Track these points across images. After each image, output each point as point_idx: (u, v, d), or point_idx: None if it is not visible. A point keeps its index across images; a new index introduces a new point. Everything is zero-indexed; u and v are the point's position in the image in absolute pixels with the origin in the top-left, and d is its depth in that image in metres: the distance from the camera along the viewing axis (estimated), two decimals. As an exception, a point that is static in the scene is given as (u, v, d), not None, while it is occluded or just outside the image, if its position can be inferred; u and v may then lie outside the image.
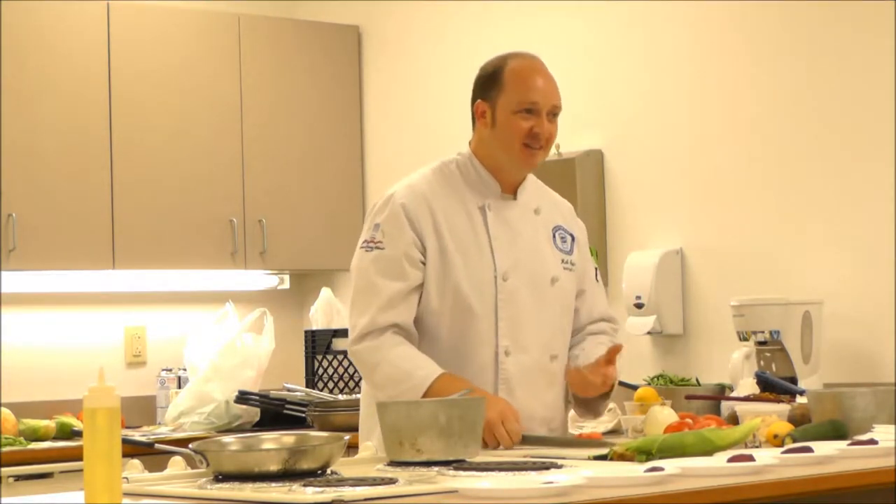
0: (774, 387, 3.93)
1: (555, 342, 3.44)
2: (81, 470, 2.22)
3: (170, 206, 5.70)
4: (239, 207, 5.88)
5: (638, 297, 4.96)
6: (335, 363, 5.81)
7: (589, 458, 2.95)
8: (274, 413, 5.36)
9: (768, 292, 4.59)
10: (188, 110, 5.78)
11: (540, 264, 3.43)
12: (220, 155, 5.85)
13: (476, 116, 3.41)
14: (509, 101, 3.34)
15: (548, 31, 5.44)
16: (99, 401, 2.20)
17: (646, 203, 5.12)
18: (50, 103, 5.47)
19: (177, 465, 2.77)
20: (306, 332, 5.96)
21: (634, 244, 5.11)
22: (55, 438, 5.15)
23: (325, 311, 5.86)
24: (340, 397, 5.27)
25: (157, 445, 2.84)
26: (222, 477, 2.60)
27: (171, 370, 5.83)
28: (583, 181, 5.17)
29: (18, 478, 4.82)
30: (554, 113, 3.37)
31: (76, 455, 4.53)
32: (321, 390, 5.72)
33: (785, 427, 3.26)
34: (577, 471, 2.58)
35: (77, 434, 5.09)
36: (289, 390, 5.46)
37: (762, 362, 4.43)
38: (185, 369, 5.66)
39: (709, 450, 2.93)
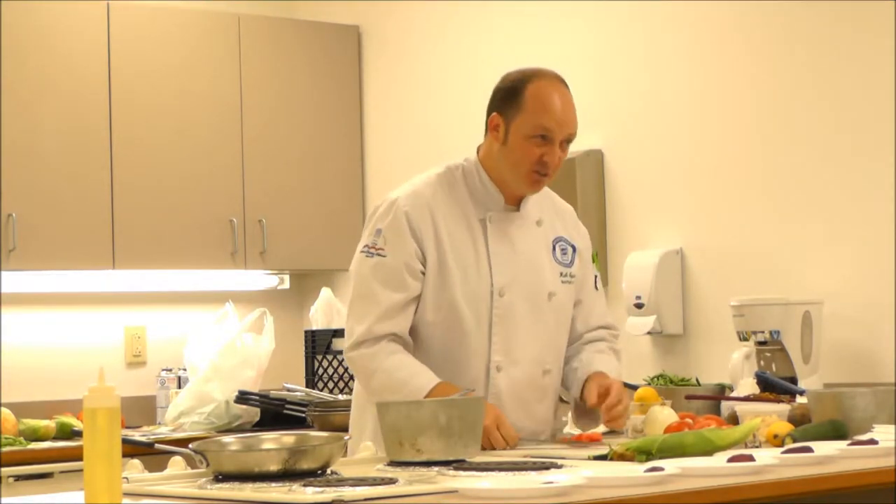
0: (774, 387, 3.92)
1: (548, 357, 3.43)
2: (81, 470, 2.22)
3: (170, 206, 5.70)
4: (239, 207, 5.88)
5: (638, 297, 4.96)
6: (335, 363, 5.81)
7: (589, 458, 2.95)
8: (274, 413, 5.37)
9: (768, 292, 4.59)
10: (188, 110, 5.78)
11: (538, 279, 3.41)
12: (220, 155, 5.85)
13: (489, 128, 3.37)
14: (524, 124, 3.31)
15: (548, 30, 5.44)
16: (99, 401, 2.20)
17: (646, 203, 5.12)
18: (50, 103, 5.47)
19: (177, 465, 2.77)
20: (306, 332, 5.97)
21: (634, 244, 5.11)
22: (55, 438, 5.15)
23: (325, 311, 5.86)
24: (340, 397, 5.27)
25: (157, 445, 2.83)
26: (222, 477, 2.60)
27: (171, 370, 5.84)
28: (583, 181, 5.17)
29: (18, 478, 4.82)
30: (568, 140, 3.35)
31: (76, 455, 4.54)
32: (321, 390, 5.72)
33: (785, 427, 3.26)
34: (577, 471, 2.58)
35: (77, 434, 5.09)
36: (289, 390, 5.46)
37: (762, 362, 4.43)
38: (185, 369, 5.67)
39: (709, 450, 2.93)
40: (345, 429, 3.47)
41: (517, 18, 5.56)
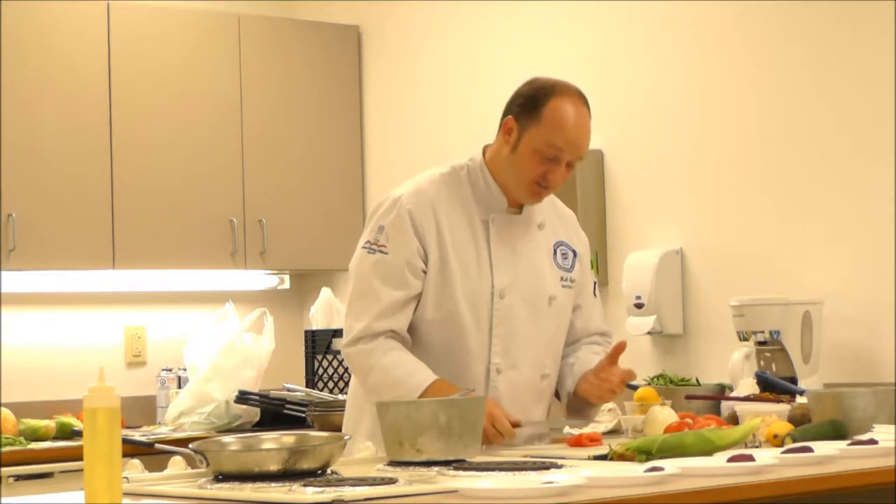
0: (774, 387, 3.92)
1: (547, 361, 3.43)
2: (81, 470, 2.22)
3: (170, 206, 5.70)
4: (239, 207, 5.88)
5: (638, 297, 4.96)
6: (335, 363, 5.81)
7: (589, 458, 2.95)
8: (274, 413, 5.37)
9: (768, 292, 4.59)
10: (188, 110, 5.78)
11: (538, 283, 3.41)
12: (220, 155, 5.85)
13: (502, 130, 3.35)
14: (537, 138, 3.28)
15: (548, 31, 5.44)
16: (99, 401, 2.20)
17: (646, 203, 5.12)
18: (50, 103, 5.47)
19: (177, 465, 2.77)
20: (306, 332, 5.97)
21: (634, 244, 5.11)
22: (55, 438, 5.15)
23: (325, 311, 5.86)
24: (340, 397, 5.27)
25: (157, 445, 2.83)
26: (222, 477, 2.60)
27: (171, 370, 5.84)
28: (583, 181, 5.17)
29: (18, 478, 4.82)
30: (575, 162, 3.32)
31: (76, 455, 4.53)
32: (321, 390, 5.72)
33: (785, 427, 3.26)
34: (577, 471, 2.58)
35: (77, 434, 5.08)
36: (289, 390, 5.46)
37: (762, 362, 4.43)
38: (185, 369, 5.67)
39: (709, 450, 2.93)
40: (345, 429, 3.47)
41: (517, 18, 5.56)
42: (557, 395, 3.54)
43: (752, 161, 4.81)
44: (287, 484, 2.50)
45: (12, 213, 5.34)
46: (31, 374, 5.69)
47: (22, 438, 5.04)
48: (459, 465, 2.75)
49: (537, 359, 3.40)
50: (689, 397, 4.19)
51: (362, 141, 6.24)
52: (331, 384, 5.80)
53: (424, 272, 3.31)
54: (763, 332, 4.42)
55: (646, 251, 5.02)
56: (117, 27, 5.63)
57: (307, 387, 5.74)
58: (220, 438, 2.80)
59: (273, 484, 2.51)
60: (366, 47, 6.24)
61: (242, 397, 5.36)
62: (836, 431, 3.26)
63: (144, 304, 6.00)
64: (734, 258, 4.85)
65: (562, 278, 3.46)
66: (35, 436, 5.11)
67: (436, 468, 2.75)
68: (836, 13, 4.57)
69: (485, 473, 2.60)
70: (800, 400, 3.74)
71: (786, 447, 2.96)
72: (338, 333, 5.76)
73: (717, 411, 4.10)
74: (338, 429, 3.59)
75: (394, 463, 2.87)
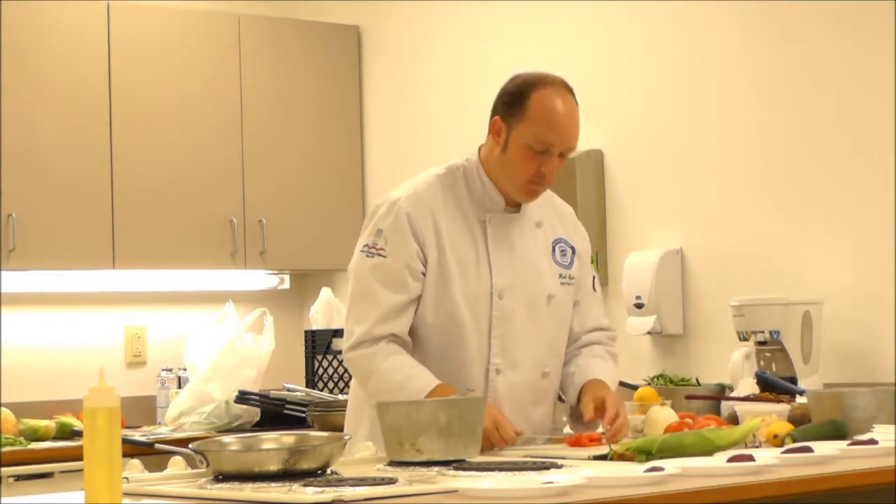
0: (774, 387, 3.93)
1: (547, 359, 3.42)
2: (81, 470, 2.22)
3: (170, 206, 5.70)
4: (239, 207, 5.88)
5: (638, 297, 4.96)
6: (335, 363, 5.81)
7: (589, 458, 2.95)
8: (274, 413, 5.37)
9: (768, 292, 4.59)
10: (188, 110, 5.78)
11: (537, 282, 3.40)
12: (220, 155, 5.85)
13: (491, 131, 3.34)
14: (526, 133, 3.26)
15: (548, 30, 5.44)
16: (99, 401, 2.20)
17: (646, 203, 5.12)
18: (50, 103, 5.47)
19: (177, 465, 2.77)
20: (306, 332, 5.97)
21: (634, 244, 5.11)
22: (55, 438, 5.15)
23: (325, 311, 5.86)
24: (340, 397, 5.27)
25: (157, 445, 2.83)
26: (222, 477, 2.60)
27: (171, 370, 5.84)
28: (583, 181, 5.17)
29: (18, 478, 4.82)
30: (566, 153, 3.30)
31: (76, 455, 4.53)
32: (321, 390, 5.72)
33: (785, 427, 3.26)
34: (577, 471, 2.58)
35: (77, 434, 5.07)
36: (289, 390, 5.46)
37: (762, 362, 4.43)
38: (185, 369, 5.67)
39: (709, 450, 2.93)
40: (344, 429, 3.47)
41: (517, 18, 5.56)
42: (561, 398, 3.54)
43: (752, 161, 4.81)
44: (287, 484, 2.50)
45: (12, 213, 5.34)
46: (31, 374, 5.69)
47: (22, 438, 5.04)
48: (459, 465, 2.75)
49: (537, 358, 3.40)
50: (689, 397, 4.19)
51: (362, 141, 6.24)
52: (331, 384, 5.80)
53: (423, 275, 3.31)
54: (763, 332, 4.42)
55: (646, 251, 5.02)
56: (117, 27, 5.63)
57: (307, 387, 5.74)
58: (220, 438, 2.80)
59: (273, 484, 2.51)
60: (366, 47, 6.24)
61: (242, 397, 5.36)
62: (836, 431, 3.26)
63: (144, 304, 6.00)
64: (734, 258, 4.85)
65: (560, 276, 3.45)
66: (35, 436, 5.11)
67: (436, 468, 2.75)
68: (837, 12, 4.58)
69: (485, 473, 2.60)
70: (800, 400, 3.74)
71: (786, 447, 2.96)
72: (338, 333, 5.76)
73: (717, 411, 4.10)
74: (338, 429, 3.59)
75: (394, 463, 2.87)
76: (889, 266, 4.42)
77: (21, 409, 5.33)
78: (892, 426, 3.23)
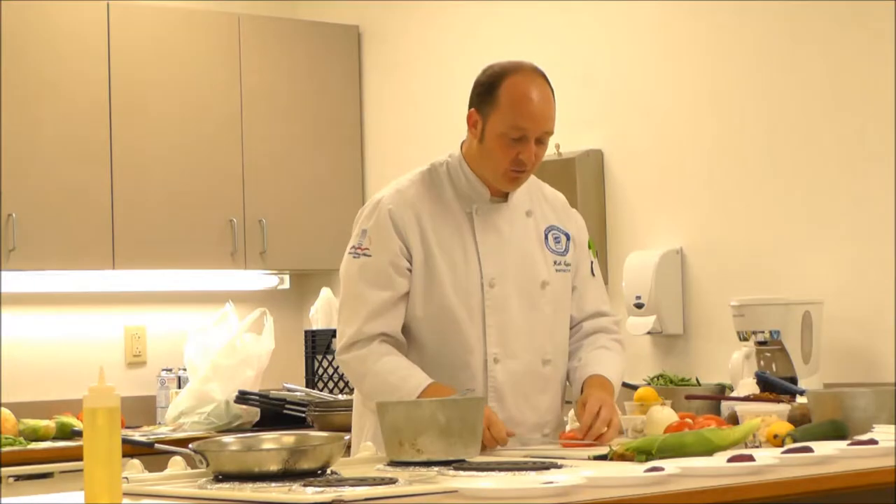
0: (774, 387, 3.93)
1: (547, 346, 3.41)
2: (81, 470, 2.22)
3: (170, 206, 5.70)
4: (239, 207, 5.88)
5: (638, 297, 4.96)
6: (335, 363, 5.81)
7: (589, 458, 2.95)
8: (274, 413, 5.36)
9: (768, 292, 4.59)
10: (188, 110, 5.78)
11: (529, 269, 3.40)
12: (220, 155, 5.85)
13: (468, 124, 3.35)
14: (499, 123, 3.26)
15: (548, 30, 5.45)
16: (99, 401, 2.20)
17: (646, 203, 5.12)
18: (50, 103, 5.47)
19: (177, 465, 2.77)
20: (306, 332, 5.96)
21: (634, 244, 5.11)
22: (55, 438, 5.15)
23: (325, 311, 5.86)
24: (340, 397, 5.27)
25: (157, 445, 2.84)
26: (222, 477, 2.60)
27: (171, 370, 5.84)
28: (583, 181, 5.17)
29: (18, 478, 4.82)
30: (544, 138, 3.29)
31: (76, 455, 4.54)
32: (321, 390, 5.72)
33: (785, 427, 3.26)
34: (577, 471, 2.58)
35: (77, 434, 5.09)
36: (289, 390, 5.46)
37: (762, 362, 4.43)
38: (185, 369, 5.66)
39: (709, 450, 2.93)
40: (345, 429, 3.47)
41: (518, 18, 5.56)
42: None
43: (752, 161, 4.81)
44: (287, 484, 2.50)
45: (12, 213, 5.34)
46: (31, 374, 5.69)
47: (22, 438, 5.04)
48: (459, 465, 2.75)
49: (536, 345, 3.39)
50: (689, 397, 4.19)
51: (362, 141, 6.24)
52: (331, 384, 5.80)
53: (409, 271, 3.32)
54: (763, 332, 4.42)
55: (646, 251, 5.02)
56: (117, 27, 5.63)
57: (307, 387, 5.73)
58: (220, 438, 2.80)
59: (273, 484, 2.52)
60: (366, 47, 6.24)
61: (242, 397, 5.36)
62: (836, 431, 3.26)
63: (144, 304, 6.00)
64: (734, 258, 4.85)
65: (556, 262, 3.44)
66: (35, 436, 5.11)
67: (436, 468, 2.75)
68: (838, 12, 4.58)
69: (485, 473, 2.60)
70: (800, 400, 3.74)
71: (786, 447, 2.96)
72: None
73: (717, 411, 4.10)
74: (338, 429, 3.58)
75: (394, 463, 2.87)
76: (889, 266, 4.42)
77: (21, 409, 5.33)
78: (892, 426, 3.23)
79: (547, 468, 2.65)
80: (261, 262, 5.93)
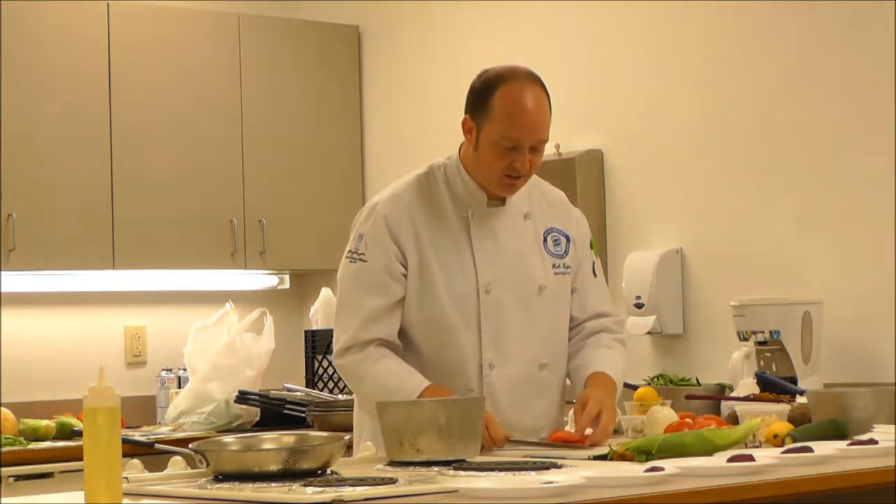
0: (774, 387, 3.92)
1: (544, 351, 3.40)
2: (81, 470, 2.22)
3: (170, 206, 5.70)
4: (239, 207, 5.88)
5: (638, 297, 4.96)
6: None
7: (589, 458, 2.95)
8: (274, 413, 5.36)
9: (768, 292, 4.59)
10: (188, 110, 5.78)
11: (526, 274, 3.39)
12: (220, 155, 5.85)
13: (463, 130, 3.34)
14: (493, 131, 3.25)
15: (548, 30, 5.44)
16: (99, 401, 2.21)
17: (646, 203, 5.12)
18: (50, 103, 5.47)
19: (177, 465, 2.77)
20: (306, 332, 5.96)
21: (634, 244, 5.11)
22: (55, 438, 5.15)
23: (325, 311, 5.85)
24: (340, 397, 5.27)
25: (157, 445, 2.84)
26: (222, 477, 2.60)
27: (171, 370, 5.84)
28: (583, 181, 5.17)
29: (18, 478, 4.82)
30: (538, 146, 3.28)
31: (76, 455, 4.53)
32: (321, 390, 5.72)
33: (785, 427, 3.26)
34: (577, 471, 2.58)
35: (77, 434, 5.08)
36: (289, 390, 5.46)
37: (762, 362, 4.43)
38: (185, 369, 5.66)
39: (709, 450, 2.93)
40: (345, 429, 3.46)
41: (517, 18, 5.56)
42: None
43: (752, 161, 4.81)
44: (287, 484, 2.50)
45: (12, 213, 5.34)
46: (31, 374, 5.69)
47: (22, 438, 5.04)
48: (459, 465, 2.75)
49: (532, 351, 3.38)
50: (689, 397, 4.19)
51: (362, 141, 6.24)
52: (331, 384, 5.80)
53: (405, 276, 3.31)
54: (763, 332, 4.42)
55: (646, 251, 5.02)
56: (117, 27, 5.63)
57: (307, 387, 5.73)
58: (220, 438, 2.80)
59: (273, 484, 2.52)
60: (366, 47, 6.24)
61: (242, 397, 5.36)
62: (836, 431, 3.26)
63: (144, 304, 6.00)
64: (734, 258, 4.85)
65: (554, 266, 3.43)
66: (35, 436, 5.11)
67: (436, 468, 2.75)
68: (837, 13, 4.58)
69: (485, 473, 2.60)
70: (800, 400, 3.74)
71: (786, 447, 2.96)
72: (338, 333, 5.75)
73: (717, 411, 4.10)
74: (338, 429, 3.58)
75: (394, 463, 2.87)
76: (889, 266, 4.42)
77: (21, 409, 5.33)
78: (892, 426, 3.23)
79: (547, 468, 2.65)
80: (261, 262, 5.93)
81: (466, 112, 3.33)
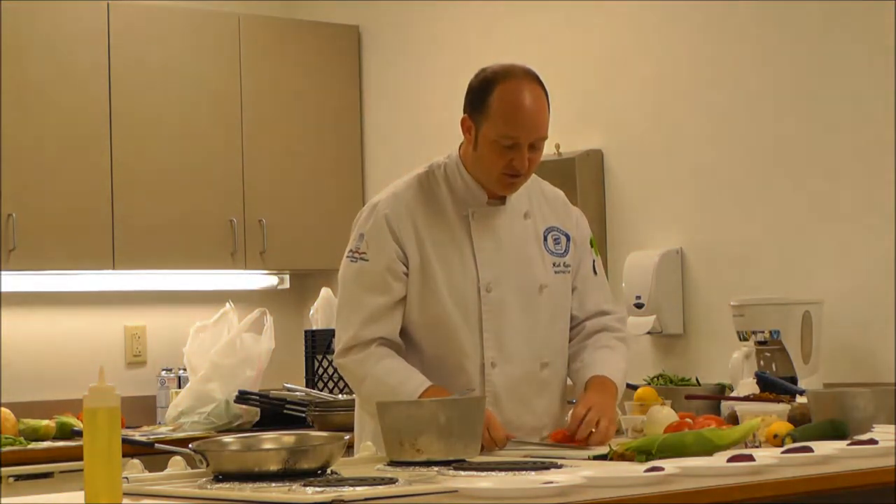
0: (774, 387, 3.92)
1: (545, 350, 3.41)
2: (81, 470, 2.22)
3: (170, 206, 5.70)
4: (239, 207, 5.88)
5: (638, 297, 4.96)
6: (335, 364, 5.80)
7: (589, 458, 2.95)
8: (274, 413, 5.36)
9: (768, 292, 4.59)
10: (188, 110, 5.78)
11: (527, 272, 3.39)
12: (220, 155, 5.85)
13: (462, 129, 3.34)
14: (492, 130, 3.25)
15: (548, 30, 5.45)
16: (99, 401, 2.21)
17: (646, 203, 5.12)
18: (50, 103, 5.47)
19: (177, 465, 2.77)
20: (306, 332, 5.96)
21: (634, 244, 5.11)
22: (55, 438, 5.14)
23: (325, 311, 5.85)
24: (340, 397, 5.27)
25: (157, 445, 2.84)
26: (222, 477, 2.61)
27: (171, 370, 5.84)
28: (583, 181, 5.17)
29: (18, 478, 4.82)
30: (537, 144, 3.28)
31: (76, 455, 4.53)
32: (321, 390, 5.71)
33: (785, 427, 3.26)
34: (577, 471, 2.58)
35: (77, 434, 5.08)
36: (289, 390, 5.46)
37: (762, 362, 4.43)
38: (185, 369, 5.66)
39: (709, 450, 2.93)
40: (345, 429, 3.47)
41: (517, 18, 5.56)
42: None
43: (752, 161, 4.81)
44: (287, 484, 2.50)
45: (12, 213, 5.34)
46: (31, 374, 5.69)
47: (22, 438, 5.04)
48: (459, 465, 2.76)
49: (533, 349, 3.38)
50: (689, 397, 4.19)
51: (362, 141, 6.24)
52: (331, 384, 5.80)
53: (406, 275, 3.31)
54: (763, 332, 4.42)
55: (646, 251, 5.02)
56: (117, 27, 5.63)
57: (307, 387, 5.73)
58: (220, 438, 2.80)
59: (273, 484, 2.52)
60: (366, 47, 6.24)
61: (242, 397, 5.36)
62: (836, 431, 3.26)
63: (144, 304, 6.00)
64: (734, 258, 4.85)
65: (555, 264, 3.43)
66: (35, 436, 5.11)
67: (436, 468, 2.75)
68: (838, 14, 4.58)
69: (485, 473, 2.60)
70: (800, 400, 3.74)
71: (786, 447, 2.96)
72: (338, 333, 5.75)
73: (717, 411, 4.10)
74: (338, 429, 3.58)
75: (394, 463, 2.87)
76: (889, 266, 4.43)
77: (21, 409, 5.33)
78: (892, 426, 3.23)
79: (547, 468, 2.65)
80: (261, 262, 5.93)
81: (465, 111, 3.33)
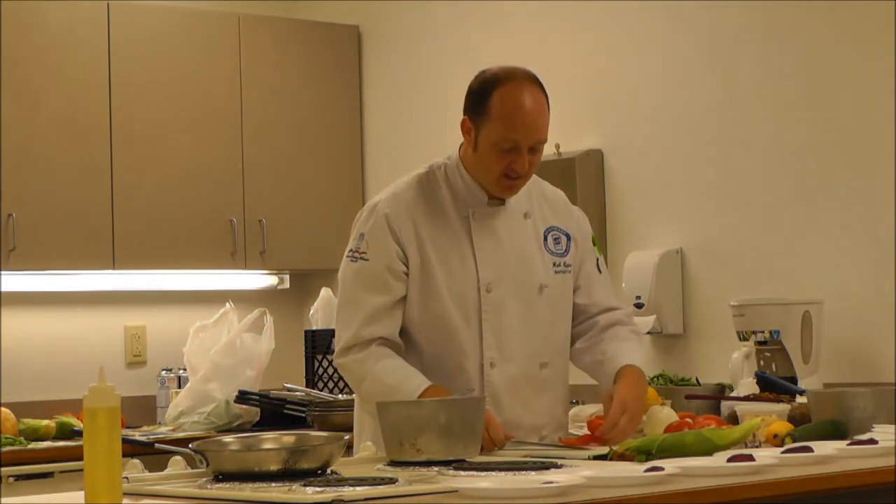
0: (774, 387, 3.92)
1: (544, 350, 3.41)
2: (81, 470, 2.22)
3: (170, 207, 5.70)
4: (239, 207, 5.88)
5: (638, 297, 4.96)
6: (335, 364, 5.80)
7: (589, 458, 2.95)
8: (274, 413, 5.36)
9: (768, 292, 4.59)
10: (188, 110, 5.78)
11: (527, 272, 3.39)
12: (220, 155, 5.85)
13: (462, 131, 3.34)
14: (492, 132, 3.25)
15: (548, 30, 5.44)
16: (99, 401, 2.21)
17: (646, 203, 5.12)
18: (50, 103, 5.47)
19: (177, 465, 2.77)
20: (306, 332, 5.96)
21: (634, 244, 5.11)
22: (55, 438, 5.14)
23: (325, 311, 5.85)
24: (340, 397, 5.27)
25: (157, 445, 2.84)
26: (222, 477, 2.61)
27: (171, 370, 5.84)
28: (583, 181, 5.17)
29: (18, 478, 4.82)
30: (537, 146, 3.28)
31: (76, 455, 4.53)
32: (321, 390, 5.71)
33: (785, 427, 3.26)
34: (577, 471, 2.58)
35: (77, 434, 5.06)
36: (289, 390, 5.46)
37: (762, 362, 4.43)
38: (185, 369, 5.66)
39: (709, 450, 2.93)
40: (345, 429, 3.47)
41: (517, 18, 5.56)
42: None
43: (752, 161, 4.81)
44: (287, 484, 2.50)
45: (12, 213, 5.34)
46: (31, 374, 5.69)
47: (22, 438, 5.04)
48: (459, 465, 2.76)
49: (533, 349, 3.38)
50: (689, 397, 4.19)
51: (362, 141, 6.24)
52: (331, 384, 5.80)
53: (406, 274, 3.32)
54: (763, 331, 4.42)
55: (646, 251, 5.02)
56: (117, 27, 5.63)
57: (307, 387, 5.73)
58: (220, 438, 2.80)
59: (273, 484, 2.52)
60: (366, 47, 6.24)
61: (242, 397, 5.36)
62: (836, 431, 3.26)
63: (144, 304, 6.00)
64: (734, 258, 4.85)
65: (555, 264, 3.43)
66: (35, 436, 5.11)
67: (436, 468, 2.75)
68: (837, 14, 4.58)
69: (485, 473, 2.61)
70: (800, 400, 3.74)
71: (786, 447, 2.96)
72: (338, 333, 5.75)
73: (717, 411, 4.11)
74: (338, 429, 3.58)
75: (394, 463, 2.87)
76: (889, 266, 4.42)
77: (21, 409, 5.33)
78: (892, 426, 3.23)
79: (547, 468, 2.65)
80: (261, 262, 5.93)
81: (465, 113, 3.33)
